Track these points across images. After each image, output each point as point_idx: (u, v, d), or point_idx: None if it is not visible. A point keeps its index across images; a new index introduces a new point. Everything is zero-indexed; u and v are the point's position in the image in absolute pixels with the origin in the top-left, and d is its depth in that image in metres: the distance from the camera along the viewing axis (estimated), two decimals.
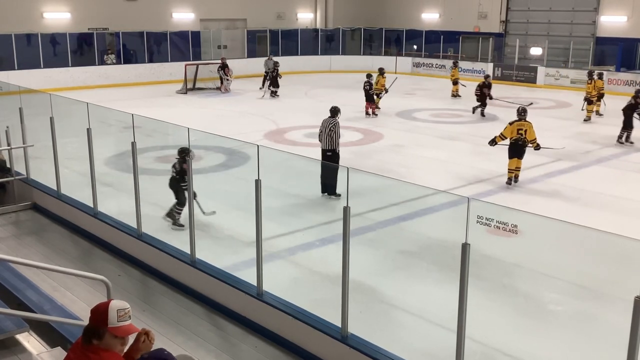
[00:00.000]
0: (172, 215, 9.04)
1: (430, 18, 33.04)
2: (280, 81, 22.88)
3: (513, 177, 11.62)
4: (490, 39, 29.59)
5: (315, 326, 5.64)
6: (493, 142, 11.97)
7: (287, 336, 5.88)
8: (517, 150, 11.59)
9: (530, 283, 7.63)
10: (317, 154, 11.01)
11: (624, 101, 19.65)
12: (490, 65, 28.12)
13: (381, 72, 20.32)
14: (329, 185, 10.36)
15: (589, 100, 18.42)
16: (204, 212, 8.80)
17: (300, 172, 11.12)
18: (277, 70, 22.83)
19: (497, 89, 25.19)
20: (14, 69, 22.36)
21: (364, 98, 18.79)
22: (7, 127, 9.89)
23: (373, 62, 31.14)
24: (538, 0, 28.81)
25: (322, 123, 10.91)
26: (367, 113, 18.73)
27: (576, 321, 6.79)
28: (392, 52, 32.66)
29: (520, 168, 11.66)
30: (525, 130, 11.54)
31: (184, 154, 8.48)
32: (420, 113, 19.43)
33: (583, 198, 11.05)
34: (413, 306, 6.98)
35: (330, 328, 5.56)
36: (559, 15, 28.34)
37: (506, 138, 11.71)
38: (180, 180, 8.79)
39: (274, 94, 22.70)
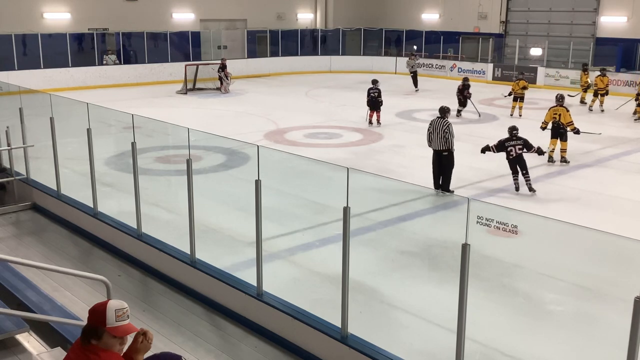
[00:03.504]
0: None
1: (430, 18, 33.03)
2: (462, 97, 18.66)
3: (559, 157, 13.20)
4: (490, 39, 29.57)
5: (315, 326, 5.63)
6: (542, 127, 13.60)
7: (286, 336, 5.88)
8: (555, 131, 13.20)
9: (530, 283, 7.62)
10: (316, 153, 11.01)
11: (623, 101, 19.82)
12: (490, 65, 28.12)
13: (584, 68, 21.06)
14: (443, 183, 10.90)
15: (595, 93, 20.09)
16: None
17: (300, 172, 11.11)
18: (468, 86, 18.63)
19: (497, 89, 25.22)
20: (14, 69, 22.36)
21: (369, 105, 17.16)
22: (7, 127, 9.90)
23: (373, 63, 31.19)
24: (538, 1, 28.79)
25: (432, 124, 11.08)
26: (370, 122, 17.20)
27: (576, 321, 6.79)
28: (392, 52, 32.64)
29: (564, 149, 13.14)
30: (560, 115, 13.12)
31: (514, 130, 11.03)
32: (420, 113, 19.40)
33: (583, 198, 11.05)
34: (413, 306, 6.97)
35: (330, 328, 5.55)
36: (558, 15, 28.33)
37: (548, 122, 13.37)
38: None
39: (459, 113, 18.75)
